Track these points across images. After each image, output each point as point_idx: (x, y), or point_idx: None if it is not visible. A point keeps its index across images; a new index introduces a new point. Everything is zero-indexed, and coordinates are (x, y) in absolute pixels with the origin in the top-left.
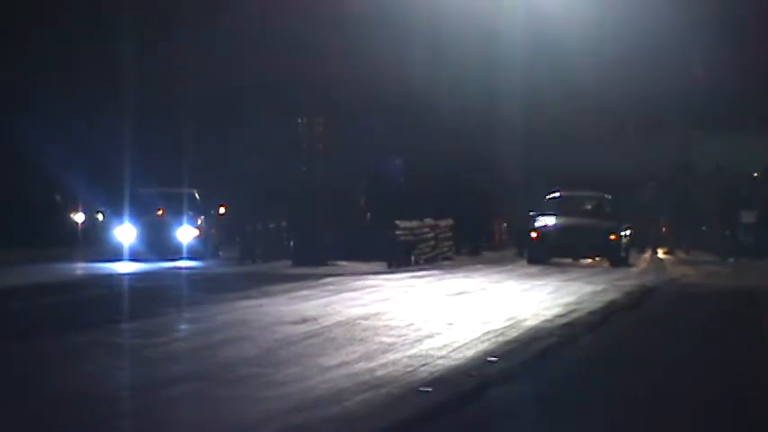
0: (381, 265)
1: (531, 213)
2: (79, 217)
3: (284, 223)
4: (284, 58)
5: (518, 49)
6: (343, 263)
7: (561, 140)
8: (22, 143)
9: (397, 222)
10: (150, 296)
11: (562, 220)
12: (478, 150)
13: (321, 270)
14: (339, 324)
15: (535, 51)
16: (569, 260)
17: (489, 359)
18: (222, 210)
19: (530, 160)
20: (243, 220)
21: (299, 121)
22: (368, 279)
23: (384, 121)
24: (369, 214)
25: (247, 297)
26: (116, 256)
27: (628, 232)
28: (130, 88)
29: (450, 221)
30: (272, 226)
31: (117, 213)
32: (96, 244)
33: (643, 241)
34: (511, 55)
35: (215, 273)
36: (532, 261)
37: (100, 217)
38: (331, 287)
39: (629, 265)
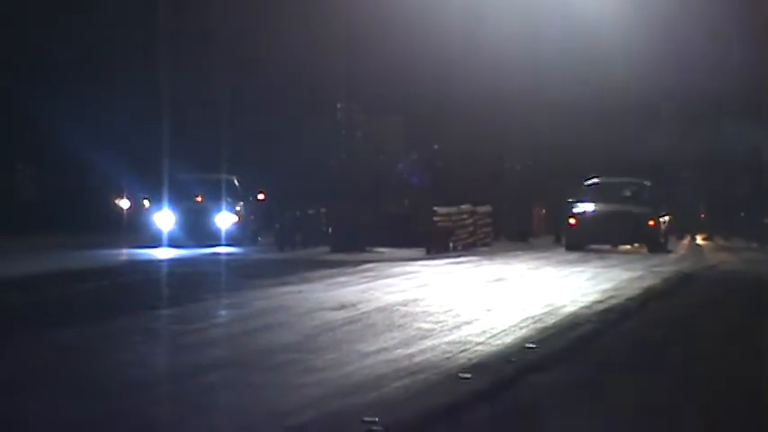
0: (420, 252)
1: (569, 200)
2: (124, 203)
3: (323, 209)
4: (325, 45)
5: (556, 36)
6: (382, 249)
7: (601, 127)
8: (63, 132)
9: (436, 209)
10: (189, 282)
11: (600, 206)
12: (518, 137)
13: (359, 256)
14: (378, 310)
15: (573, 39)
16: (607, 247)
17: (528, 345)
18: (261, 196)
19: (570, 147)
20: (282, 207)
21: (339, 106)
22: (406, 265)
23: (424, 108)
24: (407, 200)
25: (286, 283)
26: (155, 242)
27: (666, 218)
28: (170, 77)
29: (488, 208)
30: (310, 212)
31: (157, 199)
32: (139, 230)
33: (682, 228)
34: (550, 42)
35: (254, 259)
36: (570, 248)
37: (146, 203)
38: (369, 273)
39: (668, 252)
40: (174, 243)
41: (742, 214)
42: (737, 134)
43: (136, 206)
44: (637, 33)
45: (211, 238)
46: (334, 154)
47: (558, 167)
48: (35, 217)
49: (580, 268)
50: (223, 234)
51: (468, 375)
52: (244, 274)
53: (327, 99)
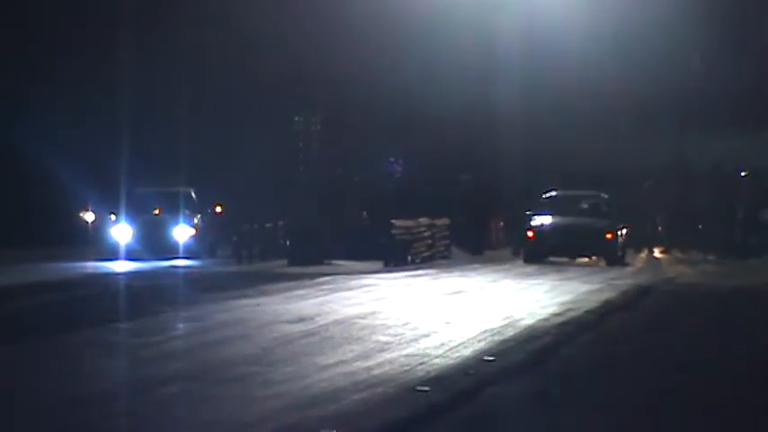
0: (378, 265)
1: (528, 213)
2: (89, 216)
3: (281, 222)
4: (282, 57)
5: (516, 48)
6: (340, 262)
7: (559, 139)
8: (22, 145)
9: (394, 221)
10: (147, 295)
11: (558, 219)
12: (476, 150)
13: (317, 269)
14: (336, 323)
15: (534, 51)
16: (565, 259)
17: (486, 358)
18: (219, 209)
19: (527, 159)
20: (239, 220)
21: (296, 119)
22: (364, 278)
23: (381, 120)
24: (365, 213)
25: (244, 296)
26: (113, 255)
27: (624, 231)
28: (128, 89)
29: (446, 221)
30: (268, 225)
31: (114, 213)
32: (103, 243)
33: (639, 240)
34: (509, 54)
35: (212, 272)
36: (528, 260)
37: (113, 217)
38: (327, 286)
39: (626, 265)
40: (131, 256)
41: (700, 227)
42: (698, 146)
43: (101, 219)
44: (597, 40)
45: (169, 250)
46: (292, 166)
47: (516, 179)
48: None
49: (539, 281)
50: (181, 247)
51: (427, 388)
52: (202, 287)
53: (285, 111)
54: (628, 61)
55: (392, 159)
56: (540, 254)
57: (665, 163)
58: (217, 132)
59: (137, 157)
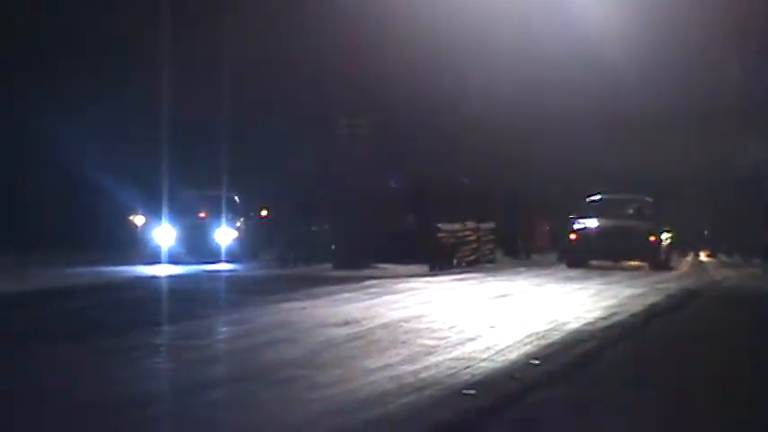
0: (423, 268)
1: (571, 216)
2: (139, 220)
3: (326, 226)
4: (330, 59)
5: (558, 47)
6: (385, 265)
7: (604, 143)
8: (65, 147)
9: (440, 225)
10: (192, 298)
11: (601, 222)
12: (522, 153)
13: (363, 273)
14: (382, 326)
15: (575, 49)
16: (610, 263)
17: (532, 362)
18: (264, 212)
19: (572, 164)
20: (285, 223)
21: (342, 122)
22: (410, 282)
23: (428, 124)
24: (411, 217)
25: (290, 299)
26: (155, 259)
27: (668, 235)
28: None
29: (491, 224)
30: (314, 228)
31: (156, 216)
32: (144, 247)
33: (685, 244)
34: (552, 52)
35: (257, 275)
36: (571, 264)
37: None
38: (373, 290)
39: (670, 269)
40: (173, 259)
41: (744, 230)
42: (742, 149)
43: (150, 223)
44: (641, 42)
45: (211, 254)
46: (337, 169)
47: (562, 183)
48: (44, 234)
49: (583, 285)
50: (223, 250)
51: (473, 391)
52: (247, 290)
53: (331, 114)
54: (671, 63)
55: (393, 175)
56: (583, 257)
57: (709, 167)
58: (262, 135)
59: (181, 162)
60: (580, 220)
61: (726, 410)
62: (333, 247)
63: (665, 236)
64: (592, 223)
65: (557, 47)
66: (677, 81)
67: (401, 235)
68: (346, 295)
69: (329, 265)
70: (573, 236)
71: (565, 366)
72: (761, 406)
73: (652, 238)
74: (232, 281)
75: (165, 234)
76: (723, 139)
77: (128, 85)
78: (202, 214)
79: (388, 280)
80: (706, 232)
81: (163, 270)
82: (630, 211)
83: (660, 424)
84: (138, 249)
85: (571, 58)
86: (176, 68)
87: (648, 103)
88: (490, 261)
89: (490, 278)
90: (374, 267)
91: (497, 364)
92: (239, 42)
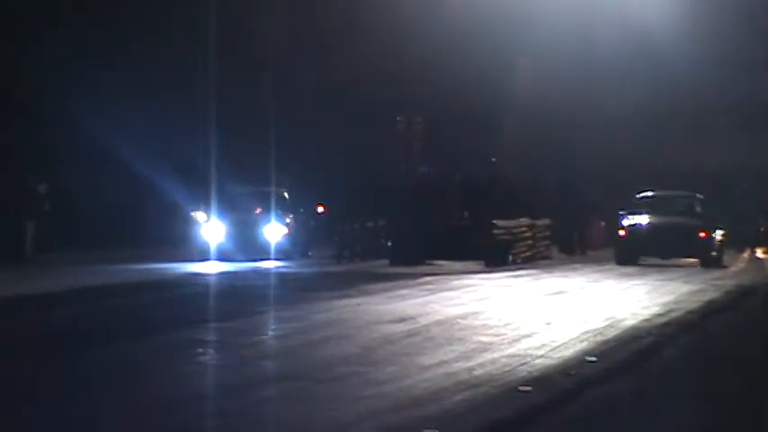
0: (479, 265)
1: (621, 212)
2: (201, 216)
3: (382, 222)
4: (384, 56)
5: (612, 42)
6: (441, 262)
7: (659, 140)
8: (113, 142)
9: (495, 222)
10: (248, 295)
11: (651, 218)
12: (574, 150)
13: (419, 269)
14: (437, 323)
15: (629, 45)
16: (663, 261)
17: (588, 359)
18: (321, 209)
19: (624, 159)
20: (341, 219)
21: (398, 119)
22: (465, 278)
23: (480, 121)
24: (466, 213)
25: (345, 296)
26: (204, 256)
27: (721, 232)
28: (227, 88)
29: (547, 221)
30: (369, 225)
31: (205, 212)
32: (191, 244)
33: (742, 241)
34: (606, 48)
35: (313, 272)
36: (620, 261)
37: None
38: (429, 286)
39: (723, 266)
40: (222, 257)
41: None
42: None
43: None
44: (696, 40)
45: (260, 250)
46: (393, 167)
47: (616, 180)
48: (105, 230)
49: (640, 281)
50: (272, 247)
51: (529, 388)
52: (303, 287)
53: (387, 111)
54: (724, 60)
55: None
56: (633, 254)
57: (763, 162)
58: (317, 132)
59: (233, 157)
60: (630, 217)
61: None
62: (389, 243)
63: (717, 233)
64: (642, 220)
65: (611, 38)
66: (732, 79)
67: (457, 231)
68: (402, 292)
69: (385, 262)
70: (622, 232)
71: (621, 363)
72: None
73: (702, 235)
74: (289, 277)
75: (214, 231)
76: None
77: (179, 80)
78: (257, 210)
79: (443, 276)
80: (761, 228)
81: (213, 267)
82: (681, 208)
83: (716, 420)
84: (190, 246)
85: (626, 49)
86: (227, 62)
87: (709, 102)
88: (546, 257)
89: (546, 275)
90: (430, 264)
91: (553, 361)
92: (298, 33)
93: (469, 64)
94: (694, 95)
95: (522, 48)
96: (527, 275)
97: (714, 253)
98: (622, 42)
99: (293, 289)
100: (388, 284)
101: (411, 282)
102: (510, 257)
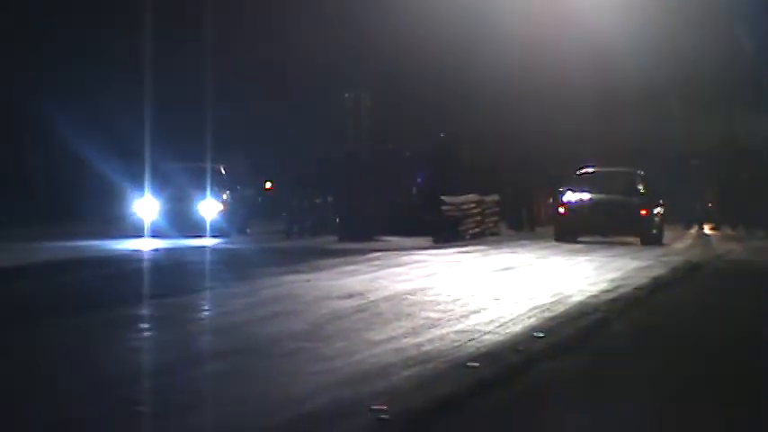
0: (427, 241)
1: (561, 189)
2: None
3: (330, 198)
4: (334, 32)
5: (559, 21)
6: (390, 238)
7: (607, 116)
8: (48, 119)
9: (443, 198)
10: (194, 272)
11: (590, 195)
12: (522, 127)
13: (367, 245)
14: (386, 299)
15: (576, 23)
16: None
17: (536, 334)
18: (269, 185)
19: (572, 136)
20: (289, 195)
21: (347, 96)
22: (414, 254)
23: (432, 97)
24: (414, 190)
25: (294, 272)
26: (137, 233)
27: (660, 210)
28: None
29: (495, 197)
30: (317, 201)
31: (138, 188)
32: (123, 220)
33: (689, 217)
34: (553, 26)
35: (260, 247)
36: (559, 238)
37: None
38: (377, 262)
39: (662, 244)
40: (156, 233)
41: (748, 203)
42: (747, 122)
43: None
44: (643, 18)
45: (195, 227)
46: (342, 142)
47: (562, 156)
48: (42, 207)
49: (588, 257)
50: (207, 224)
51: (477, 364)
52: (250, 263)
53: (335, 86)
54: (674, 35)
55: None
56: (571, 231)
57: (714, 140)
58: (266, 106)
59: (167, 134)
60: (569, 193)
61: (730, 380)
62: (337, 219)
63: (656, 210)
64: (579, 196)
65: (559, 17)
66: (681, 54)
67: (405, 207)
68: (350, 268)
69: (334, 238)
70: (562, 209)
71: (569, 339)
72: (760, 372)
73: (643, 212)
74: (237, 253)
75: (148, 207)
76: (729, 111)
77: (111, 52)
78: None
79: (392, 252)
80: (710, 205)
81: (148, 244)
82: (622, 185)
83: (665, 395)
84: (124, 223)
85: (574, 27)
86: (162, 33)
87: (657, 79)
88: (494, 234)
89: (494, 251)
90: (378, 240)
91: (501, 337)
92: (248, 13)
93: (428, 42)
94: (644, 73)
95: (476, 39)
96: (475, 251)
97: (654, 231)
98: (569, 19)
99: (240, 265)
100: (337, 260)
101: (360, 257)
102: (459, 233)
